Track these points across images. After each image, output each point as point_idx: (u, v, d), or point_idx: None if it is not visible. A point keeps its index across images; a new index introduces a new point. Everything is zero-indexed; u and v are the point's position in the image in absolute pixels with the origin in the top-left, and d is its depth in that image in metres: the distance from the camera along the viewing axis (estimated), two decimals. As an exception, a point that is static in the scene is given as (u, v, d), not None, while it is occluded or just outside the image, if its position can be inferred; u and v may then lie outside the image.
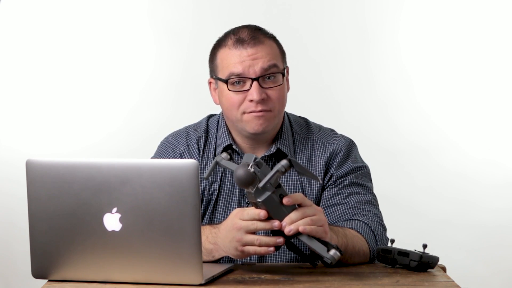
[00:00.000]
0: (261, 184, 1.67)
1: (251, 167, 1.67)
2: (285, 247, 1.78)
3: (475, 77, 3.50)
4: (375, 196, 2.06)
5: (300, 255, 1.78)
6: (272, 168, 1.69)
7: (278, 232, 1.71)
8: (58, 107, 3.53)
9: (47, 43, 3.52)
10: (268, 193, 1.68)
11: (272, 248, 1.71)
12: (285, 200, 1.69)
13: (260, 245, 1.70)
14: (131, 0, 3.54)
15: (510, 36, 3.48)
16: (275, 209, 1.69)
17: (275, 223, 1.69)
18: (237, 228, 1.71)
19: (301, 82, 3.22)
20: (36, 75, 3.53)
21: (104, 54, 3.53)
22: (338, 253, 1.68)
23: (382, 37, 3.54)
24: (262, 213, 1.69)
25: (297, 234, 1.69)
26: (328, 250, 1.68)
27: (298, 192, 2.02)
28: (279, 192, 1.70)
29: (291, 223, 1.68)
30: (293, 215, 1.69)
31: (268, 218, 1.70)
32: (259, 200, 1.68)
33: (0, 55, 3.52)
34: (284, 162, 1.68)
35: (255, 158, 1.68)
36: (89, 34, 3.53)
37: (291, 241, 1.75)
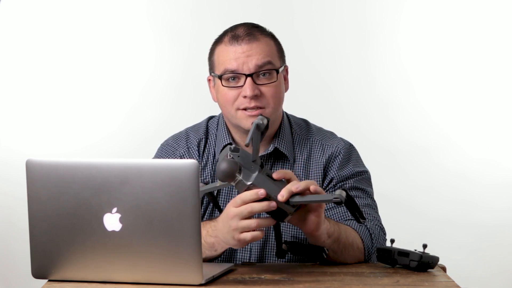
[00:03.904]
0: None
1: (229, 156, 1.68)
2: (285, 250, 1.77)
3: (475, 77, 3.50)
4: (375, 201, 2.07)
5: (299, 252, 1.77)
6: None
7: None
8: (58, 107, 3.53)
9: (47, 43, 3.52)
10: (255, 174, 1.68)
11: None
12: (274, 175, 1.69)
13: (257, 227, 1.68)
14: (131, 0, 3.54)
15: (510, 36, 3.48)
16: (268, 187, 1.68)
17: (273, 203, 1.67)
18: (231, 216, 1.70)
19: (301, 82, 3.22)
20: (36, 75, 3.53)
21: (104, 54, 3.54)
22: (343, 191, 1.66)
23: (382, 37, 3.54)
24: (260, 191, 1.67)
25: (294, 210, 1.68)
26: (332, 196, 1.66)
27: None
28: (265, 172, 1.70)
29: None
30: (287, 186, 1.68)
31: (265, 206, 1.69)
32: (249, 183, 1.68)
33: (0, 55, 3.52)
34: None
35: (230, 147, 1.69)
36: (89, 34, 3.53)
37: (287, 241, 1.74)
